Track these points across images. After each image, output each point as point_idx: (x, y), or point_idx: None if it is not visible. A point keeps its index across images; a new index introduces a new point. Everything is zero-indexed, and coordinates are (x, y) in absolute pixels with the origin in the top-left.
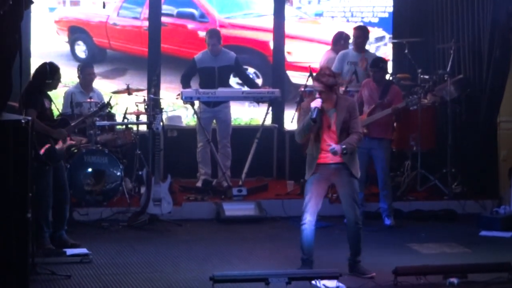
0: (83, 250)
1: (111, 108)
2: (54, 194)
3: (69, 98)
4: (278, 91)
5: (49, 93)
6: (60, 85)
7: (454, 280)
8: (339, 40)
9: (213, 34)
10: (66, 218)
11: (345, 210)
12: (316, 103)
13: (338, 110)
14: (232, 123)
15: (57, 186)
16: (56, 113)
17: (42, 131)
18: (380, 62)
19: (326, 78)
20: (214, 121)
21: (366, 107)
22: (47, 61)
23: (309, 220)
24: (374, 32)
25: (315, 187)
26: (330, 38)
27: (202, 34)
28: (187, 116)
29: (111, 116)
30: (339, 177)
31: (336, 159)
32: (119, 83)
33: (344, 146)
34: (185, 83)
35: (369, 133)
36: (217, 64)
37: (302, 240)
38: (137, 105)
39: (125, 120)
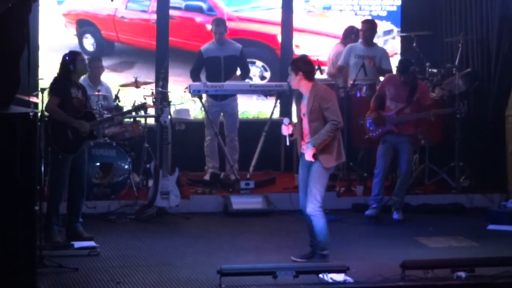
0: (91, 243)
1: (119, 101)
2: (70, 186)
3: None
4: (286, 84)
5: None
6: None
7: (462, 274)
8: (350, 34)
9: (220, 23)
10: (80, 211)
11: (307, 197)
12: (284, 130)
13: (308, 99)
14: (240, 117)
15: (73, 179)
16: None
17: (62, 120)
18: (409, 66)
19: (296, 63)
20: (222, 114)
21: (391, 103)
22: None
23: (302, 205)
24: (382, 26)
25: (302, 178)
26: (338, 32)
27: (210, 27)
28: (195, 109)
29: (119, 109)
30: (311, 165)
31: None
32: (127, 76)
33: (312, 144)
34: (195, 77)
35: (400, 131)
36: (222, 54)
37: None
38: (145, 98)
39: (133, 113)
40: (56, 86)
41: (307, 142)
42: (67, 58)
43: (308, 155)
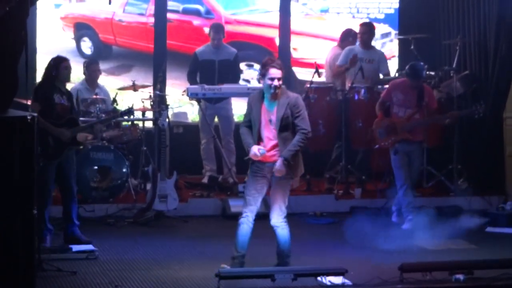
0: (89, 247)
1: (117, 104)
2: (60, 192)
3: (75, 95)
4: (284, 87)
5: None
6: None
7: (460, 276)
8: (347, 37)
9: (219, 29)
10: (74, 215)
11: (272, 208)
12: (256, 157)
13: (278, 105)
14: (238, 120)
15: (62, 184)
16: None
17: (42, 127)
18: (422, 71)
19: (281, 66)
20: (216, 117)
21: (399, 110)
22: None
23: (247, 215)
24: (380, 28)
25: (250, 183)
26: (336, 34)
27: (207, 30)
28: (193, 113)
29: (116, 112)
30: (274, 176)
31: (272, 159)
32: (124, 80)
33: (285, 158)
34: (192, 80)
35: (413, 137)
36: (217, 58)
37: (237, 235)
38: (143, 102)
39: (131, 117)
40: (38, 92)
41: (272, 155)
42: (52, 62)
43: (281, 171)
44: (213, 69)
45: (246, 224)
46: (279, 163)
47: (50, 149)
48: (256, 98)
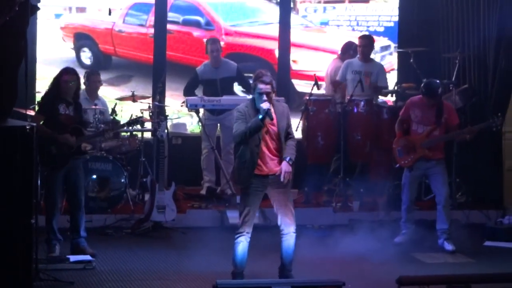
0: (87, 257)
1: (116, 115)
2: (68, 202)
3: None
4: (283, 99)
5: None
6: None
7: None
8: (348, 50)
9: (215, 41)
10: (80, 227)
11: (282, 218)
12: (267, 105)
13: (277, 116)
14: None
15: (69, 195)
16: None
17: (46, 136)
18: (438, 89)
19: (270, 79)
20: (218, 127)
21: (418, 127)
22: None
23: (247, 232)
24: (380, 41)
25: (252, 199)
26: (335, 47)
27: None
28: (192, 124)
29: (116, 123)
30: (275, 187)
31: (274, 170)
32: (124, 90)
33: (289, 159)
34: (189, 95)
35: (432, 155)
36: (218, 76)
37: (236, 253)
38: (142, 112)
39: (130, 127)
40: (41, 103)
41: (275, 165)
42: (59, 73)
43: (290, 172)
44: (215, 88)
45: (246, 241)
46: (286, 165)
47: (53, 158)
48: (251, 109)
